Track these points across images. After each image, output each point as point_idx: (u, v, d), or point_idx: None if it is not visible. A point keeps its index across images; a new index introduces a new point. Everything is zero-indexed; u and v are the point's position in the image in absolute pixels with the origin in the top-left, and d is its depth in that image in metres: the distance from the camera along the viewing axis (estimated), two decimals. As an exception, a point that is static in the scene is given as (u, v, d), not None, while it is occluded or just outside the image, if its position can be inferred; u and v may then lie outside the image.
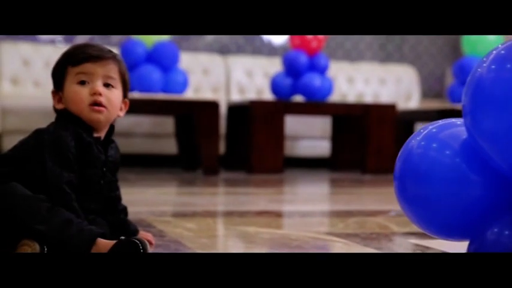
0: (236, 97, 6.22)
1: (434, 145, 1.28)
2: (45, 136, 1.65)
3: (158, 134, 5.53)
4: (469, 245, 1.30)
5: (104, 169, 1.73)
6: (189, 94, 5.78)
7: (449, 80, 6.83)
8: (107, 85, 1.71)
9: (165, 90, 4.84)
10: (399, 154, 1.34)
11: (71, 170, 1.63)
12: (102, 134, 1.75)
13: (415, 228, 2.29)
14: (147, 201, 3.05)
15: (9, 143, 4.86)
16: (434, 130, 1.31)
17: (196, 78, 6.11)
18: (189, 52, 6.18)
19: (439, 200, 1.26)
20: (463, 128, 1.28)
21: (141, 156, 5.56)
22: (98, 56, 1.72)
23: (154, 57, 4.81)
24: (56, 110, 1.74)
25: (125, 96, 1.78)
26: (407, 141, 1.34)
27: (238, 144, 5.32)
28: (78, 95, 1.69)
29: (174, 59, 4.88)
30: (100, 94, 1.69)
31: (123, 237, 1.52)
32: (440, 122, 1.35)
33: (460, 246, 1.46)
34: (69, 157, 1.63)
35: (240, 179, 4.55)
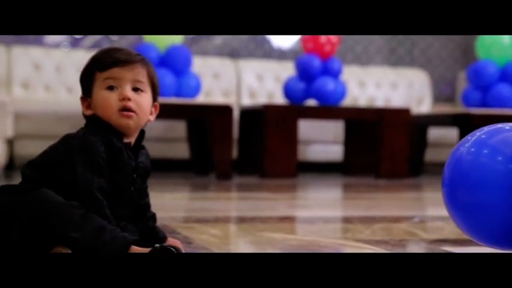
0: (247, 101, 6.19)
1: (485, 151, 1.25)
2: (74, 141, 1.63)
3: (170, 139, 5.50)
4: (525, 255, 1.27)
5: (134, 175, 1.70)
6: (200, 98, 5.76)
7: (461, 84, 6.79)
8: (135, 89, 1.68)
9: (177, 94, 4.82)
10: (447, 161, 1.31)
11: (102, 175, 1.60)
12: (132, 140, 1.72)
13: (443, 235, 2.27)
14: (163, 206, 3.01)
15: (21, 147, 4.84)
16: (483, 136, 1.28)
17: (207, 82, 6.08)
18: (199, 56, 6.16)
19: (492, 208, 1.23)
20: (514, 134, 1.25)
21: (153, 161, 5.52)
22: (126, 60, 1.69)
23: (167, 61, 4.79)
24: (85, 116, 1.71)
25: (154, 100, 1.75)
26: (454, 148, 1.31)
27: (250, 149, 5.29)
28: (107, 100, 1.66)
29: (187, 63, 4.86)
30: (129, 99, 1.66)
31: (157, 245, 1.49)
32: (486, 128, 1.31)
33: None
34: (100, 162, 1.60)
35: (254, 184, 4.52)
